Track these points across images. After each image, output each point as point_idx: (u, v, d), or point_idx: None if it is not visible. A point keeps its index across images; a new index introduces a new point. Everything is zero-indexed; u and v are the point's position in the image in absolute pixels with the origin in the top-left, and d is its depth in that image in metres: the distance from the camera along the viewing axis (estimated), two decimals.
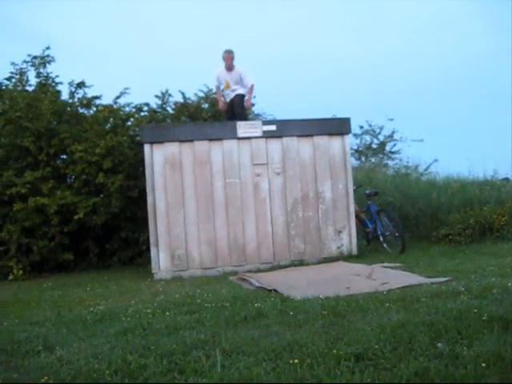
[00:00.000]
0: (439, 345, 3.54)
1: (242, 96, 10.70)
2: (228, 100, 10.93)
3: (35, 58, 11.62)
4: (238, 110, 10.65)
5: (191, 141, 9.40)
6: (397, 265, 8.03)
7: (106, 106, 11.59)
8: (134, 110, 12.00)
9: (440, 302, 4.81)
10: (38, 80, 11.72)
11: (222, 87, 10.88)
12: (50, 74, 11.82)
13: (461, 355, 3.32)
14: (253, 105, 12.71)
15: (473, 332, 3.77)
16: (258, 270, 8.95)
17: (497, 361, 3.15)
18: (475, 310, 4.27)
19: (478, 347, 3.43)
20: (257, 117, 13.55)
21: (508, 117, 31.61)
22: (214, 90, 11.60)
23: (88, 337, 4.61)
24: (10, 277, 10.10)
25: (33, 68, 11.66)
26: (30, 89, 11.62)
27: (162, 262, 9.19)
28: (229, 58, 10.59)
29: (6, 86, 11.60)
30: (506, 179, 14.56)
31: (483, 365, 3.09)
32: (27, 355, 4.11)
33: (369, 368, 3.23)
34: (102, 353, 3.96)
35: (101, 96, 11.84)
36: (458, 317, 4.17)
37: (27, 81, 11.71)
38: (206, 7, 42.72)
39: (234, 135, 9.47)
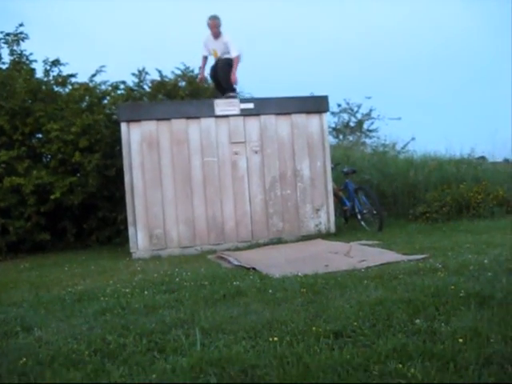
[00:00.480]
0: (417, 321, 3.57)
1: (227, 60, 9.87)
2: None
3: (8, 35, 11.40)
4: (220, 74, 9.97)
5: (168, 119, 9.31)
6: (375, 242, 8.09)
7: (81, 84, 11.43)
8: (110, 88, 11.85)
9: (418, 279, 4.85)
10: (12, 58, 11.50)
11: (209, 57, 10.24)
12: (24, 52, 11.62)
13: (438, 331, 3.36)
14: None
15: (450, 308, 3.81)
16: (237, 249, 8.96)
17: (473, 336, 3.19)
18: (452, 287, 4.32)
19: (455, 323, 3.47)
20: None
21: (485, 95, 31.85)
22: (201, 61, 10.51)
23: (66, 317, 4.57)
24: None
25: (6, 45, 11.44)
26: (4, 67, 11.42)
27: (140, 241, 9.15)
28: (214, 24, 9.84)
29: None
30: (482, 157, 14.73)
31: (460, 340, 3.13)
32: (5, 337, 4.07)
33: (348, 345, 3.26)
34: (81, 333, 3.94)
35: (76, 74, 11.68)
36: (436, 293, 4.21)
37: (0, 58, 11.50)
38: None
39: (211, 113, 9.41)
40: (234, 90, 10.11)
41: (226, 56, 9.90)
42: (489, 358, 2.90)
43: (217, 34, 9.91)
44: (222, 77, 9.98)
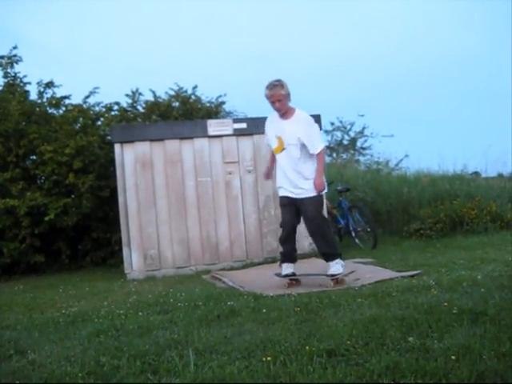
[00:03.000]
0: (410, 339, 3.58)
1: (312, 201, 6.46)
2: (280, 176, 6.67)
3: (2, 57, 11.43)
4: (310, 225, 6.58)
5: (162, 140, 9.33)
6: (369, 260, 8.11)
7: (75, 106, 11.46)
8: (103, 109, 11.89)
9: (411, 297, 4.87)
10: (6, 80, 11.54)
11: (272, 146, 6.67)
12: (18, 74, 11.66)
13: (431, 348, 3.37)
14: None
15: (443, 325, 3.82)
16: (232, 268, 8.95)
17: (466, 353, 3.20)
18: (445, 304, 4.34)
19: (448, 340, 3.48)
20: (228, 114, 13.54)
21: (477, 111, 32.05)
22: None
23: (60, 339, 4.56)
24: None
25: (0, 68, 11.49)
26: None
27: (134, 262, 9.14)
28: (275, 96, 6.28)
29: None
30: (476, 173, 14.77)
31: (453, 357, 3.14)
32: None
33: (341, 364, 3.26)
34: (75, 355, 3.93)
35: (70, 96, 11.69)
36: (429, 310, 4.22)
37: None
38: (175, 6, 42.60)
39: (204, 133, 9.43)
40: (336, 255, 6.70)
41: (302, 168, 6.43)
42: (481, 375, 2.91)
43: (285, 112, 6.45)
44: (312, 229, 6.64)
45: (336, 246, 6.84)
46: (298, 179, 6.41)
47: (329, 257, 6.61)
